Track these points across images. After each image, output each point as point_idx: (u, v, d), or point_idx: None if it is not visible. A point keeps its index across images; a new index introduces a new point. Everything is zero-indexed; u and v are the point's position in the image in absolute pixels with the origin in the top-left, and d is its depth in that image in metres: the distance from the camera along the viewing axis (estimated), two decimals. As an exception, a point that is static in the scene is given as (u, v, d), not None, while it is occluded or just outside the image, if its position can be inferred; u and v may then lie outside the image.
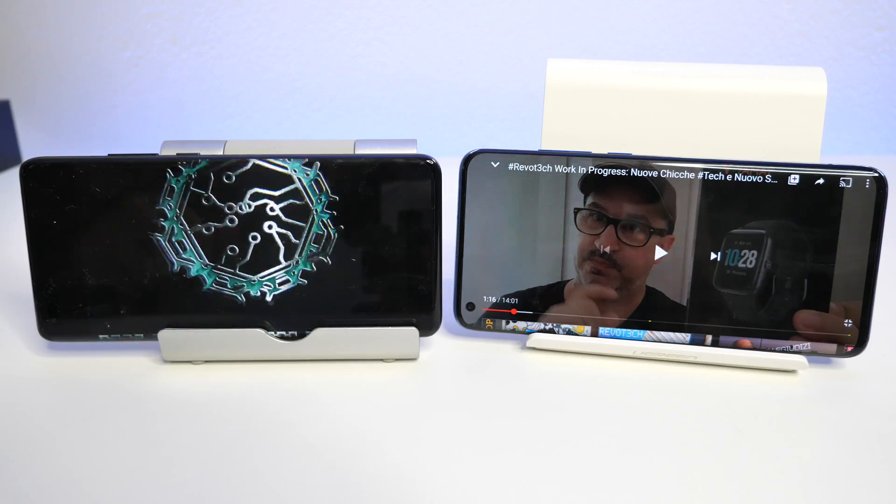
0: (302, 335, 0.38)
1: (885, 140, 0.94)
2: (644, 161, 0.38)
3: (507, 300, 0.40)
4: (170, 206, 0.37)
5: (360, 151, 0.38)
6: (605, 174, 0.38)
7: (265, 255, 0.38)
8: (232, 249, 0.38)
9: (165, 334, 0.38)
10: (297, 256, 0.38)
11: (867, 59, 0.91)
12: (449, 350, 0.41)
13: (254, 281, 0.38)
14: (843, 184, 0.36)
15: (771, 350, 0.38)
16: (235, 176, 0.37)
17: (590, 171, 0.38)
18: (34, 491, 0.29)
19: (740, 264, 0.38)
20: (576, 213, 0.38)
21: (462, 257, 0.40)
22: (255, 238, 0.38)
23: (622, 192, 0.38)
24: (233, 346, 0.38)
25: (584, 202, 0.38)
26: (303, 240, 0.38)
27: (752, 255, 0.37)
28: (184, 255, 0.38)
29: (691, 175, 0.37)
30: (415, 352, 0.39)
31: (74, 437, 0.33)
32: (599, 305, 0.39)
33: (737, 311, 0.38)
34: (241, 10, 0.92)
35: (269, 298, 0.38)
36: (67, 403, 0.36)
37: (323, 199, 0.37)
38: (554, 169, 0.38)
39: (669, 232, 0.38)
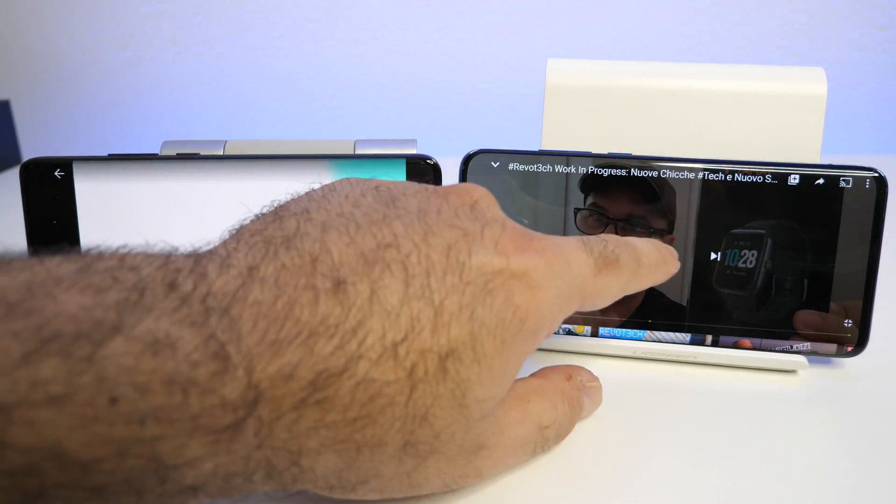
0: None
1: (885, 140, 0.94)
2: (644, 161, 0.38)
3: (507, 300, 0.40)
4: None
5: (360, 151, 0.38)
6: (606, 174, 0.38)
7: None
8: None
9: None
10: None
11: (867, 59, 0.91)
12: (449, 350, 0.41)
13: None
14: (843, 184, 0.36)
15: (771, 350, 0.38)
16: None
17: (589, 171, 0.38)
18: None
19: (740, 264, 0.38)
20: (576, 214, 0.38)
21: (462, 257, 0.40)
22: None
23: (622, 193, 0.38)
24: (233, 346, 0.38)
25: (584, 202, 0.38)
26: None
27: (752, 255, 0.37)
28: None
29: (691, 175, 0.37)
30: (415, 352, 0.39)
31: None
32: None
33: (737, 311, 0.38)
34: (241, 11, 0.92)
35: None
36: (67, 403, 0.36)
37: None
38: (554, 169, 0.38)
39: (669, 232, 0.38)
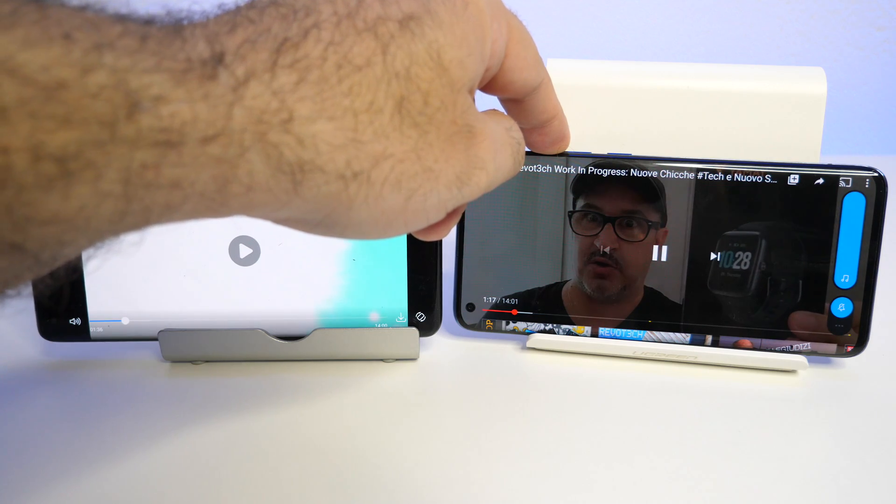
0: (302, 335, 0.38)
1: (885, 140, 0.94)
2: (643, 161, 0.38)
3: (508, 301, 0.40)
4: None
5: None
6: (605, 174, 0.38)
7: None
8: None
9: (165, 334, 0.38)
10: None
11: (867, 59, 0.91)
12: (449, 350, 0.41)
13: None
14: (842, 184, 0.36)
15: (771, 350, 0.38)
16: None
17: (580, 171, 0.38)
18: (34, 490, 0.29)
19: (735, 266, 0.38)
20: (570, 216, 0.38)
21: (462, 257, 0.40)
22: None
23: (614, 191, 0.38)
24: (233, 346, 0.38)
25: (575, 204, 0.38)
26: None
27: (747, 256, 0.37)
28: None
29: (690, 175, 0.37)
30: (415, 352, 0.39)
31: (74, 436, 0.33)
32: (599, 305, 0.39)
33: (735, 311, 0.38)
34: (241, 11, 0.92)
35: None
36: (67, 403, 0.36)
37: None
38: (553, 169, 0.38)
39: (663, 225, 0.38)
